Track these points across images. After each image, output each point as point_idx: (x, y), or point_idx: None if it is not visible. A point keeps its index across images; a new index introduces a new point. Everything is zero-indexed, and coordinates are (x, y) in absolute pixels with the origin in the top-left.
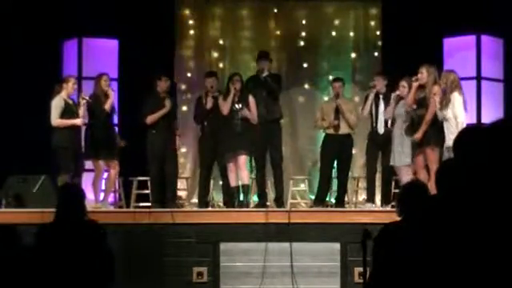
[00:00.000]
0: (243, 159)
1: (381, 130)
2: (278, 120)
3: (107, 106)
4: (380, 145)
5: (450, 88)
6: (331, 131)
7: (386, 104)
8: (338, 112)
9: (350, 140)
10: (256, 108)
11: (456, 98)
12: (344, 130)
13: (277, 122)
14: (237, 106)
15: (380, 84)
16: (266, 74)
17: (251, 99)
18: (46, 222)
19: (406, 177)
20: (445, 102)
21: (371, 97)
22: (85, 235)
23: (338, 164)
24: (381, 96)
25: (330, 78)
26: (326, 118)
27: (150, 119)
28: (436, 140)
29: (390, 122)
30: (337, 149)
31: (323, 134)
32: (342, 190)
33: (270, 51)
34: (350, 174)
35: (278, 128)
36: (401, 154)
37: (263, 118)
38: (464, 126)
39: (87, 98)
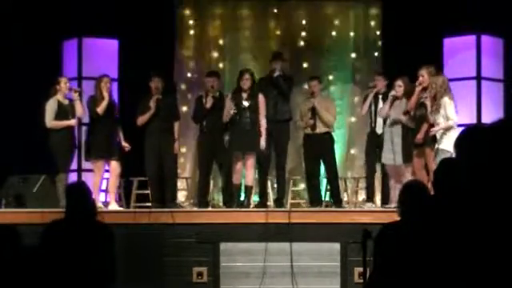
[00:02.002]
0: (252, 160)
1: (379, 130)
2: (287, 121)
3: (99, 110)
4: (379, 145)
5: (439, 93)
6: (309, 131)
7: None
8: (314, 111)
9: (330, 138)
10: (266, 107)
11: (447, 103)
12: (321, 128)
13: (286, 123)
14: (245, 103)
15: (380, 84)
16: (277, 73)
17: (261, 98)
18: (53, 219)
19: (396, 177)
20: (435, 107)
21: (370, 96)
22: (91, 235)
23: (323, 164)
24: (380, 96)
25: (331, 77)
26: (303, 118)
27: (139, 121)
28: (434, 140)
29: (388, 122)
30: (317, 148)
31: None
32: (336, 189)
33: (270, 51)
34: (350, 173)
35: (287, 129)
36: (393, 153)
37: (272, 118)
38: (456, 129)
39: (79, 89)
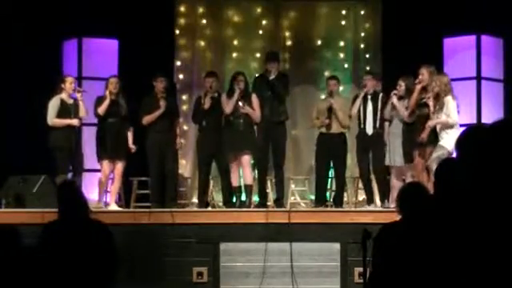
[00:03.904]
0: (246, 159)
1: (369, 130)
2: (283, 122)
3: (100, 110)
4: (369, 146)
5: (443, 91)
6: (324, 130)
7: (375, 104)
8: (330, 111)
9: (343, 139)
10: (260, 108)
11: (450, 101)
12: (336, 129)
13: (282, 124)
14: (240, 103)
15: (370, 84)
16: (273, 75)
17: (254, 99)
18: (48, 221)
19: (399, 177)
20: (438, 105)
21: (360, 96)
22: (89, 235)
23: (333, 163)
24: (369, 96)
25: None
26: (319, 117)
27: (146, 120)
28: (436, 140)
29: (378, 123)
30: (330, 148)
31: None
32: (340, 190)
33: (269, 51)
34: (350, 173)
35: (283, 130)
36: (394, 155)
37: (268, 119)
38: (457, 128)
39: (82, 89)
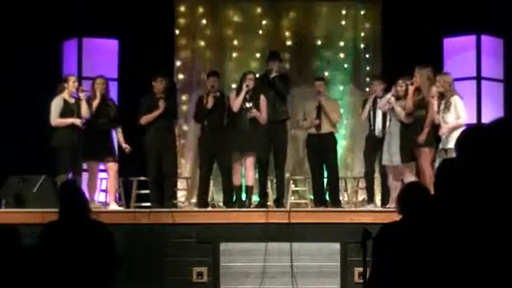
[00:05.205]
0: (251, 160)
1: (378, 133)
2: (284, 121)
3: (92, 109)
4: (377, 147)
5: (449, 91)
6: (313, 131)
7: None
8: (319, 111)
9: (333, 138)
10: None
11: (458, 101)
12: (326, 129)
13: (283, 123)
14: (247, 104)
15: (378, 89)
16: (274, 74)
17: (263, 100)
18: (49, 221)
19: (398, 177)
20: (444, 105)
21: (370, 101)
22: (90, 235)
23: (325, 164)
24: (378, 100)
25: (330, 78)
26: (307, 118)
27: (144, 120)
28: (431, 141)
29: (387, 125)
30: (320, 148)
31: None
32: (334, 189)
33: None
34: (350, 173)
35: (284, 129)
36: (391, 155)
37: (270, 118)
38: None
39: (85, 90)
